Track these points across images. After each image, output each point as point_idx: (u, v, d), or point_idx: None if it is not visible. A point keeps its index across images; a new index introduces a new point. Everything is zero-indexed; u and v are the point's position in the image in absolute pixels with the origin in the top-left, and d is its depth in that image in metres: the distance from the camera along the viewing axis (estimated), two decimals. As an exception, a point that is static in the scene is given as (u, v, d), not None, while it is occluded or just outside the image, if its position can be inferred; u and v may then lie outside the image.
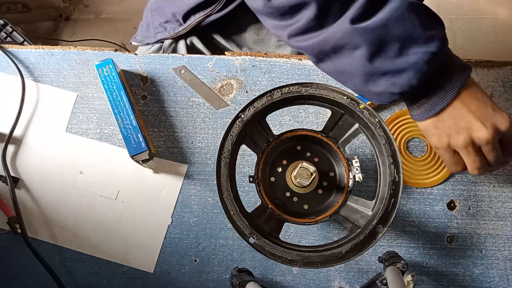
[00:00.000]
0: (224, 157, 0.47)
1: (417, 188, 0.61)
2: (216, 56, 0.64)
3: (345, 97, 0.49)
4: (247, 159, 0.62)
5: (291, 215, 0.50)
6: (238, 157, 0.49)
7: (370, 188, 0.61)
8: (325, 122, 0.52)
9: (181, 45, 0.73)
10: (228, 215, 0.46)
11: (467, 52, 1.53)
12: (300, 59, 0.63)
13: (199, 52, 0.73)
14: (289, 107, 0.53)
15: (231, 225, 0.46)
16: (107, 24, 1.64)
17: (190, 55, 0.65)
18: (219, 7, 0.64)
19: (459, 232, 0.60)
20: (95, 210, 0.60)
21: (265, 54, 0.64)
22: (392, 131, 0.57)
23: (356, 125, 0.50)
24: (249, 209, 0.48)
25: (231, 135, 0.47)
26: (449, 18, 1.58)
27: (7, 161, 0.60)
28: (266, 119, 0.51)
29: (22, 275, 0.60)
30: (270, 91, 0.48)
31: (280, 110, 0.51)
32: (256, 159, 0.51)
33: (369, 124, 0.48)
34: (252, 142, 0.50)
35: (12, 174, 0.60)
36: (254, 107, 0.48)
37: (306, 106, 0.62)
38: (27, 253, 0.56)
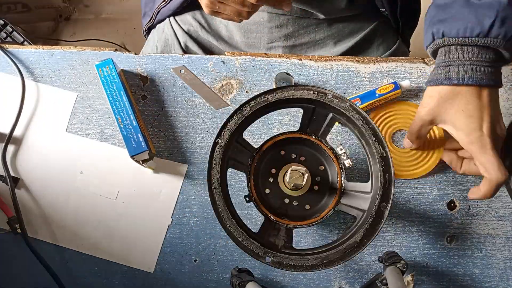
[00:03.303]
0: (215, 188, 0.47)
1: (417, 188, 0.61)
2: (216, 56, 0.64)
3: (312, 92, 0.49)
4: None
5: (297, 219, 0.49)
6: (228, 178, 0.49)
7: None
8: (300, 121, 0.52)
9: (177, 47, 0.75)
10: (238, 243, 0.46)
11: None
12: (300, 59, 0.63)
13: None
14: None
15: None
16: (107, 24, 1.64)
17: (190, 55, 0.65)
18: None
19: (459, 232, 0.60)
20: (95, 210, 0.60)
21: (265, 54, 0.64)
22: (377, 125, 0.57)
23: (330, 115, 0.50)
24: (255, 227, 0.48)
25: (215, 164, 0.47)
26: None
27: (7, 161, 0.60)
28: (244, 136, 0.51)
29: (22, 275, 0.60)
30: (238, 108, 0.49)
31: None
32: (245, 177, 0.50)
33: (341, 110, 0.49)
34: (237, 162, 0.50)
35: (12, 174, 0.60)
36: (228, 129, 0.48)
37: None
38: (27, 253, 0.56)
